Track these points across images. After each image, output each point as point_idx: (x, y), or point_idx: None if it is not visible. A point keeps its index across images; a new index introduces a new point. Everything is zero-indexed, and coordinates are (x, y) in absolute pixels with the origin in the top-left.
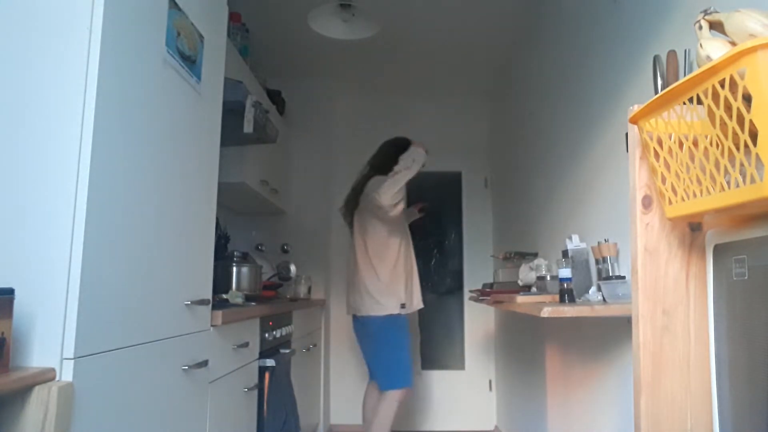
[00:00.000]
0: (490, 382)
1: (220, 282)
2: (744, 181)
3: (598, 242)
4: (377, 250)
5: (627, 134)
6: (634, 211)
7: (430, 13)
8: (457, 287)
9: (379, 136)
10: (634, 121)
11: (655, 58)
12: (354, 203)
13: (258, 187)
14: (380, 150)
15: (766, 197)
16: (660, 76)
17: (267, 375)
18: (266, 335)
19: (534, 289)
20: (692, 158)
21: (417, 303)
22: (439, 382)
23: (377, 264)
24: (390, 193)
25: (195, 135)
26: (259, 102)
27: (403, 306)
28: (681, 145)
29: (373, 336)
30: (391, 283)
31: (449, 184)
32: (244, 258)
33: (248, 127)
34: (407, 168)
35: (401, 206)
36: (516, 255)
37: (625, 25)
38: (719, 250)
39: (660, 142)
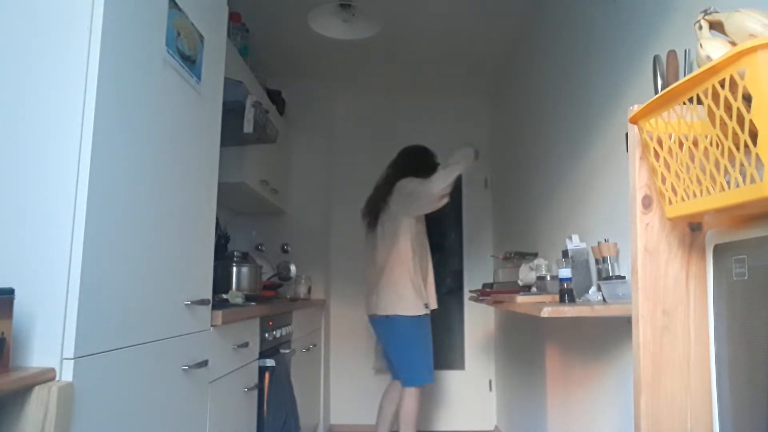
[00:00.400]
0: (490, 382)
1: (220, 282)
2: (744, 181)
3: (598, 242)
4: (408, 252)
5: (627, 134)
6: (634, 211)
7: (430, 14)
8: (457, 287)
9: (380, 136)
10: (634, 121)
11: (655, 58)
12: (381, 204)
13: (258, 187)
14: (401, 156)
15: (766, 197)
16: (660, 76)
17: (267, 375)
18: (266, 335)
19: (534, 289)
20: (692, 158)
21: (433, 302)
22: (439, 382)
23: (409, 265)
24: (442, 183)
25: (195, 135)
26: (259, 102)
27: (426, 306)
28: (681, 145)
29: (402, 335)
30: (418, 283)
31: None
32: (244, 258)
33: (248, 127)
34: (458, 162)
35: (446, 200)
36: (516, 255)
37: (625, 25)
38: (719, 250)
39: (660, 142)
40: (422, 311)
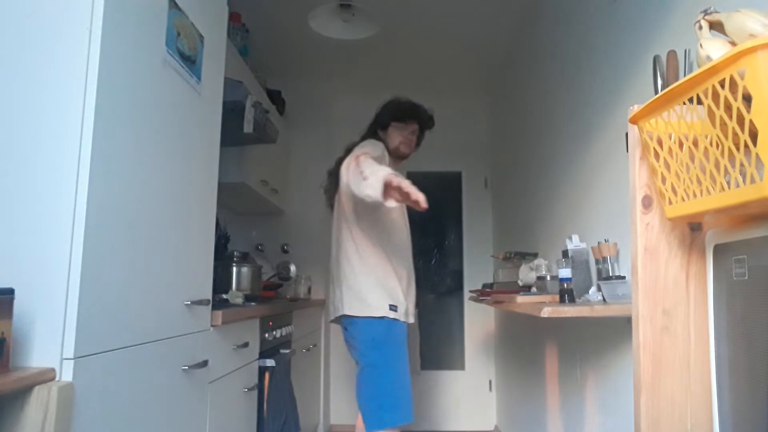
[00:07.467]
0: (490, 382)
1: (220, 282)
2: (744, 181)
3: (598, 242)
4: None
5: (627, 134)
6: (634, 211)
7: (429, 14)
8: (457, 287)
9: None
10: (634, 121)
11: (655, 58)
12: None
13: (258, 187)
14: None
15: (766, 197)
16: (660, 76)
17: (267, 375)
18: (266, 335)
19: (534, 289)
20: (692, 158)
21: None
22: (439, 382)
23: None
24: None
25: (195, 135)
26: (259, 102)
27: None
28: (681, 145)
29: None
30: None
31: (449, 184)
32: (244, 258)
33: (248, 127)
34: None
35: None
36: (516, 255)
37: (625, 25)
38: (719, 250)
39: (660, 142)
40: None
